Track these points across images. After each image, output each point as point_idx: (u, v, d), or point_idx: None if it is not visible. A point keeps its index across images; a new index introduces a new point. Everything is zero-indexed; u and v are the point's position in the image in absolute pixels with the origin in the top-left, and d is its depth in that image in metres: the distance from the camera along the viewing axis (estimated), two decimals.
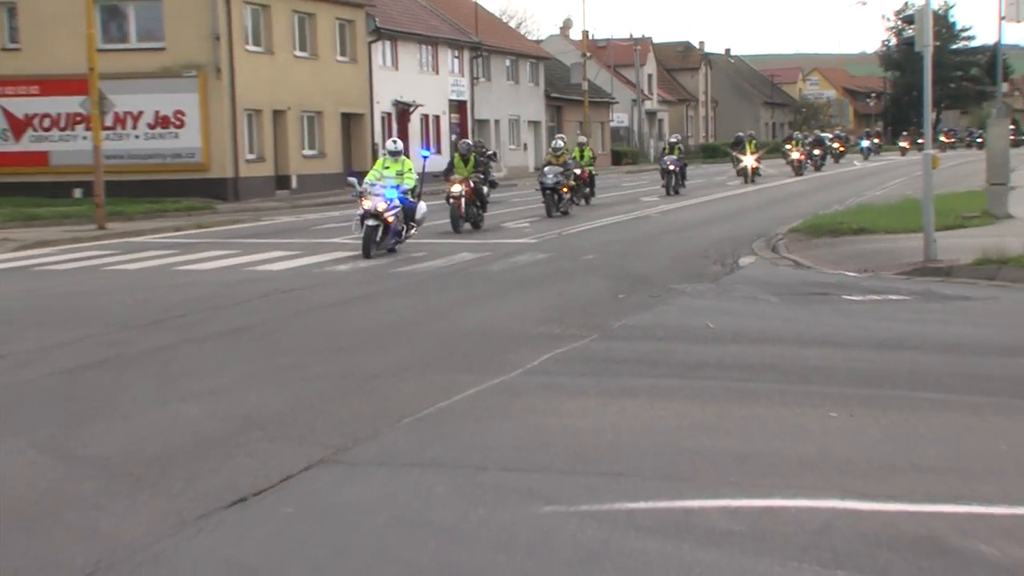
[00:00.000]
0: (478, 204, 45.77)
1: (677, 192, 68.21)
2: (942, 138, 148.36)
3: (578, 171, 57.78)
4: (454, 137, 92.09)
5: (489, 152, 56.17)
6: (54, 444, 14.47)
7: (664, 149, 73.99)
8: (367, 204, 35.64)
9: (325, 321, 23.81)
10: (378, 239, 35.77)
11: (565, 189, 52.95)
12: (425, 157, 45.14)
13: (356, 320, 24.05)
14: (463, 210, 43.65)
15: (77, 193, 59.31)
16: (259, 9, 72.61)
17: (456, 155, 46.65)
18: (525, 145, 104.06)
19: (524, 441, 14.13)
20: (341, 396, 16.92)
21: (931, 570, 9.79)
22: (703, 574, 9.83)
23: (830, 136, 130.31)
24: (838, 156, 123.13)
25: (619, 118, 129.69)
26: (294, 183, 68.99)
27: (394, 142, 39.47)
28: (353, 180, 38.63)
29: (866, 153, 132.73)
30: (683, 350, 20.25)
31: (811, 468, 12.84)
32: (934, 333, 22.06)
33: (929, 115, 36.68)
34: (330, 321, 23.81)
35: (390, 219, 36.01)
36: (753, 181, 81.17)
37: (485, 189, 46.55)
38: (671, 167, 67.36)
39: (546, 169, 53.33)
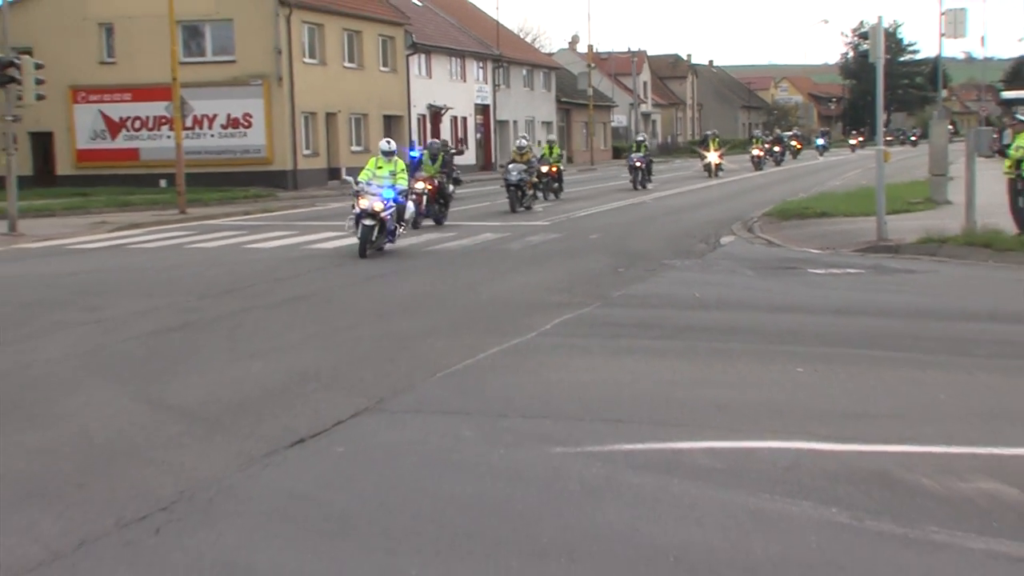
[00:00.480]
0: (441, 202, 41.09)
1: (644, 187, 64.01)
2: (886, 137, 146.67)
3: (545, 168, 53.82)
4: (479, 135, 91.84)
5: (454, 151, 53.57)
6: (144, 394, 14.58)
7: (632, 147, 68.93)
8: (364, 204, 30.43)
9: (369, 291, 23.85)
10: (373, 239, 30.58)
11: (528, 185, 48.63)
12: (413, 157, 43.24)
13: (395, 290, 24.08)
14: (424, 207, 38.57)
15: (162, 183, 59.21)
16: (314, 27, 72.62)
17: (426, 153, 42.16)
18: (539, 142, 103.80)
19: (538, 392, 14.23)
20: (383, 354, 17.01)
21: (881, 500, 9.86)
22: (690, 504, 9.91)
23: (789, 135, 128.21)
24: (796, 152, 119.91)
25: (619, 119, 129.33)
26: (344, 174, 68.91)
27: (387, 143, 33.97)
28: (350, 178, 32.93)
29: (821, 150, 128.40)
30: (673, 315, 20.32)
31: (781, 415, 12.91)
32: (884, 301, 22.12)
33: (881, 117, 36.73)
34: (373, 291, 23.85)
35: (386, 218, 30.84)
36: (717, 175, 78.59)
37: (450, 188, 42.05)
38: (637, 164, 63.49)
39: (510, 166, 48.84)
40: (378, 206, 30.32)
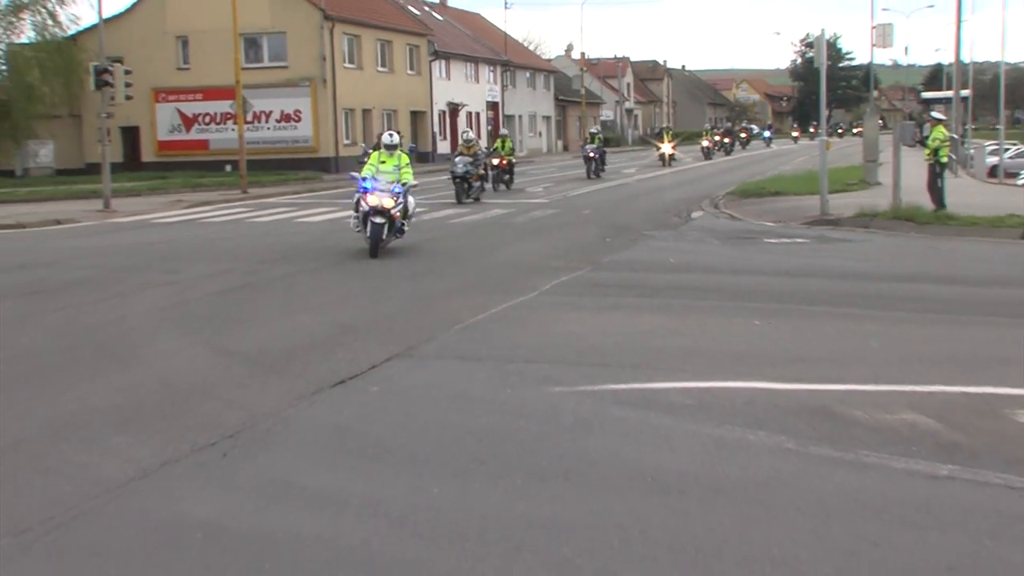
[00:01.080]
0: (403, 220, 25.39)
1: (598, 175, 57.06)
2: (810, 129, 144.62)
3: (496, 160, 47.22)
4: (490, 128, 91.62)
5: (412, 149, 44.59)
6: (212, 343, 14.62)
7: (587, 139, 61.36)
8: (373, 201, 23.85)
9: (398, 258, 23.80)
10: (384, 236, 24.19)
11: (475, 177, 42.16)
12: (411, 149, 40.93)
13: (420, 257, 24.04)
14: (384, 232, 24.41)
15: (227, 168, 59.27)
16: (353, 38, 72.50)
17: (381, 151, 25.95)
18: (540, 133, 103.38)
19: (539, 341, 14.24)
20: (410, 310, 17.02)
21: (821, 429, 9.87)
22: (665, 434, 9.94)
23: (739, 127, 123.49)
24: (745, 143, 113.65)
25: (607, 114, 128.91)
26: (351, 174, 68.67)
27: (390, 135, 26.24)
28: (355, 176, 25.86)
29: (767, 141, 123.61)
30: (652, 278, 20.30)
31: (740, 360, 12.90)
32: (826, 265, 22.10)
33: (824, 113, 36.70)
34: (401, 258, 23.80)
35: (396, 215, 24.34)
36: (671, 164, 70.48)
37: (411, 204, 25.74)
38: (591, 154, 56.14)
39: (457, 159, 42.27)
40: (388, 203, 24.03)
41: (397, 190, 24.55)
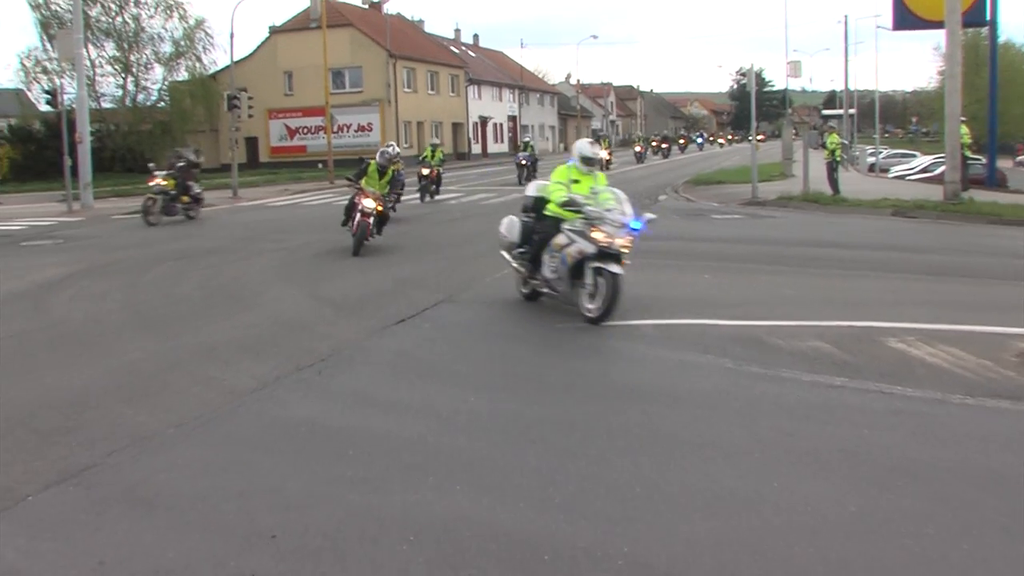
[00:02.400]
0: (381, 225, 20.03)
1: (528, 182, 35.40)
2: (729, 136, 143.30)
3: (426, 171, 34.52)
4: (510, 135, 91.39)
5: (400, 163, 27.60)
6: (310, 292, 14.58)
7: (520, 146, 48.95)
8: (368, 204, 18.87)
9: (441, 230, 23.71)
10: (370, 238, 19.09)
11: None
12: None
13: (457, 228, 23.96)
14: (371, 230, 19.28)
15: (319, 166, 58.94)
16: (410, 70, 72.64)
17: (373, 163, 20.02)
18: (547, 138, 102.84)
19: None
20: (452, 266, 16.96)
21: (753, 352, 9.82)
22: (640, 357, 9.94)
23: (677, 134, 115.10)
24: (683, 148, 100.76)
25: (596, 124, 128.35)
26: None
27: (388, 146, 20.70)
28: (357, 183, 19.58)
29: (701, 146, 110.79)
30: None
31: (693, 303, 12.82)
32: (756, 234, 21.95)
33: (754, 125, 36.48)
34: (444, 230, 23.71)
35: (380, 209, 19.16)
36: (607, 169, 50.41)
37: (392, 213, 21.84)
38: (523, 161, 43.70)
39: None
40: (371, 205, 19.00)
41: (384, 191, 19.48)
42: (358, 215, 19.06)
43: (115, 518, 5.96)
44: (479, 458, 6.91)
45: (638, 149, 69.27)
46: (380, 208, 19.27)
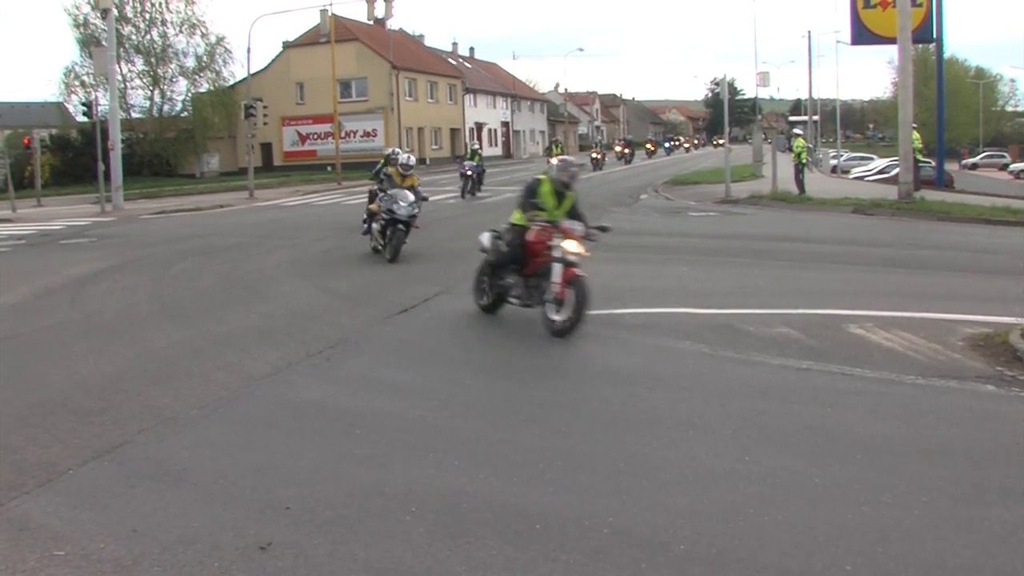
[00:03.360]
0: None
1: (474, 194, 34.58)
2: (696, 141, 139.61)
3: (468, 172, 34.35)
4: (503, 139, 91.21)
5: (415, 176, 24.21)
6: (320, 285, 14.51)
7: (467, 154, 38.72)
8: (402, 212, 16.92)
9: (443, 226, 23.67)
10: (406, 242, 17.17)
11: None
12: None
13: (457, 224, 23.91)
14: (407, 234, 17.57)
15: (328, 169, 58.77)
16: (412, 80, 72.52)
17: (393, 168, 18.66)
18: (537, 142, 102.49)
19: None
20: (450, 261, 16.88)
21: (727, 339, 9.82)
22: (623, 344, 9.90)
23: (645, 140, 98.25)
24: (650, 153, 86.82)
25: (583, 130, 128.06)
26: (428, 161, 68.68)
27: (408, 156, 18.92)
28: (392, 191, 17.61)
29: (668, 151, 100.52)
30: (614, 239, 20.06)
31: (672, 294, 12.83)
32: (729, 230, 21.95)
33: (728, 131, 36.45)
34: (446, 226, 23.67)
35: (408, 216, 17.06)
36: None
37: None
38: (468, 172, 34.84)
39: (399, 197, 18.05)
40: (406, 213, 17.06)
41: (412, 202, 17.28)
42: (389, 226, 17.16)
43: (145, 491, 5.98)
44: (475, 437, 6.91)
45: (595, 155, 56.92)
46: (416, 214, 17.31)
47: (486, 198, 33.88)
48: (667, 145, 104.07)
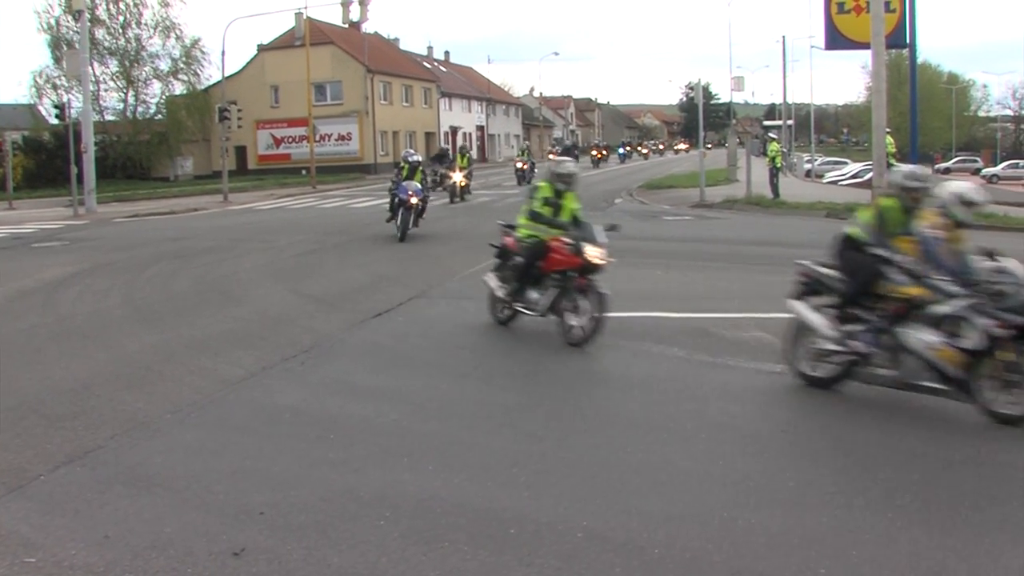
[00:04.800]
0: (421, 211, 21.74)
1: (415, 225, 21.85)
2: (658, 146, 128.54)
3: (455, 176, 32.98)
4: (479, 143, 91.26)
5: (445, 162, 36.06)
6: (294, 288, 14.45)
7: (402, 169, 22.33)
8: (411, 198, 20.94)
9: (420, 229, 23.65)
10: (410, 226, 21.01)
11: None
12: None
13: (435, 227, 23.85)
14: (413, 218, 21.37)
15: (303, 173, 58.31)
16: (386, 84, 72.22)
17: (406, 165, 22.10)
18: (512, 146, 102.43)
19: None
20: (425, 265, 16.85)
21: (701, 343, 9.88)
22: (599, 345, 9.89)
23: (590, 145, 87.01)
24: (596, 162, 70.57)
25: (557, 134, 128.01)
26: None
27: (411, 153, 23.18)
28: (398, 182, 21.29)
29: (623, 158, 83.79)
30: None
31: (647, 298, 12.84)
32: (704, 234, 22.02)
33: (702, 135, 36.53)
34: (423, 229, 23.65)
35: (414, 202, 20.97)
36: (463, 198, 33.76)
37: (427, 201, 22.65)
38: (410, 197, 21.20)
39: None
40: (414, 199, 21.06)
41: (417, 190, 21.02)
42: (400, 208, 21.10)
43: (117, 496, 5.94)
44: (450, 441, 6.91)
45: (520, 166, 47.31)
46: (416, 201, 21.13)
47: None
48: (621, 151, 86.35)
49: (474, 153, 79.79)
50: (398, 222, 21.10)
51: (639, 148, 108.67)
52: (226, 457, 6.66)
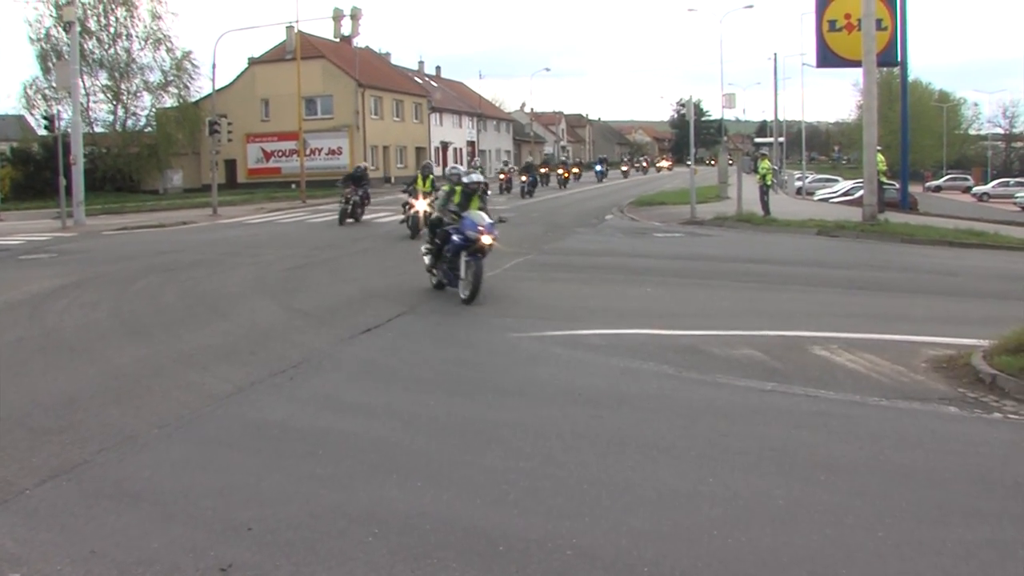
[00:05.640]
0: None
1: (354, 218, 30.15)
2: (642, 164, 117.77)
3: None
4: (468, 158, 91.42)
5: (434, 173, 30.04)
6: (283, 302, 14.45)
7: (344, 183, 31.26)
8: (420, 204, 24.84)
9: (404, 246, 23.60)
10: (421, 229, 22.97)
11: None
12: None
13: (419, 245, 23.85)
14: (422, 223, 23.41)
15: (293, 187, 58.57)
16: (377, 98, 72.50)
17: (419, 174, 26.47)
18: (504, 162, 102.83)
19: (501, 302, 14.09)
20: (414, 281, 16.78)
21: (691, 361, 9.86)
22: (587, 364, 9.92)
23: (556, 162, 71.57)
24: (563, 182, 60.18)
25: (548, 150, 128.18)
26: (392, 180, 68.56)
27: (428, 166, 27.29)
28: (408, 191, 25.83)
29: (600, 176, 74.72)
30: (578, 260, 20.21)
31: (637, 315, 12.87)
32: (694, 251, 22.04)
33: (693, 152, 36.71)
34: (407, 246, 23.62)
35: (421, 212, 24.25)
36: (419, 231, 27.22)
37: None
38: (485, 241, 14.05)
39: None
40: (423, 208, 24.45)
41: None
42: (411, 211, 25.01)
43: (104, 511, 5.91)
44: (439, 458, 6.89)
45: (502, 177, 46.09)
46: (430, 207, 23.13)
47: None
48: (599, 168, 77.70)
49: (465, 168, 79.95)
50: (461, 276, 14.35)
51: (622, 166, 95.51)
52: (213, 472, 6.65)
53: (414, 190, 25.63)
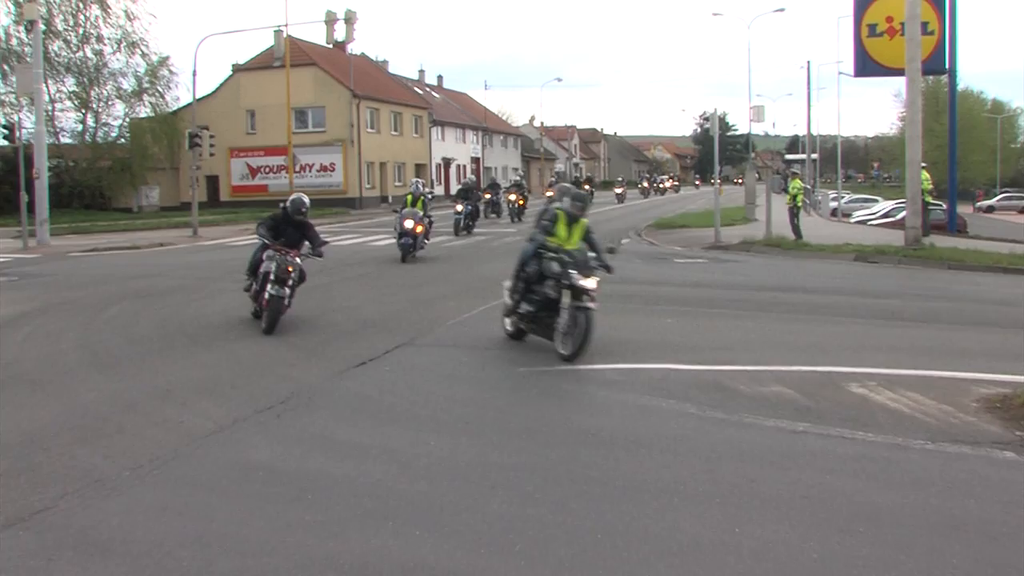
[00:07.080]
0: (425, 236, 26.69)
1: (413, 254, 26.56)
2: (641, 182, 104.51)
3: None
4: (472, 176, 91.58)
5: (431, 194, 36.70)
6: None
7: (407, 200, 27.80)
8: (407, 224, 25.70)
9: (404, 271, 23.67)
10: (413, 250, 25.87)
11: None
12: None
13: (420, 271, 23.93)
14: (415, 242, 25.98)
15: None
16: (374, 110, 72.70)
17: (409, 195, 27.24)
18: (511, 180, 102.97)
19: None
20: (413, 310, 16.89)
21: (715, 397, 9.87)
22: (602, 401, 9.94)
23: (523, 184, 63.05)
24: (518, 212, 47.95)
25: (560, 167, 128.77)
26: (390, 199, 68.74)
27: (416, 185, 28.22)
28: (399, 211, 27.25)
29: (619, 198, 75.54)
30: None
31: (656, 347, 12.88)
32: (719, 279, 22.08)
33: (717, 169, 36.77)
34: (407, 272, 23.69)
35: (419, 230, 25.96)
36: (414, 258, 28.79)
37: (431, 225, 28.10)
38: (409, 227, 26.20)
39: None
40: (410, 224, 25.72)
41: (418, 217, 26.05)
42: (401, 234, 25.92)
43: (66, 563, 5.89)
44: (439, 503, 6.88)
45: (513, 198, 45.43)
46: (420, 228, 26.11)
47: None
48: (619, 191, 78.71)
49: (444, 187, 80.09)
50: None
51: (615, 188, 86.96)
52: (191, 519, 6.63)
53: (409, 212, 26.37)
